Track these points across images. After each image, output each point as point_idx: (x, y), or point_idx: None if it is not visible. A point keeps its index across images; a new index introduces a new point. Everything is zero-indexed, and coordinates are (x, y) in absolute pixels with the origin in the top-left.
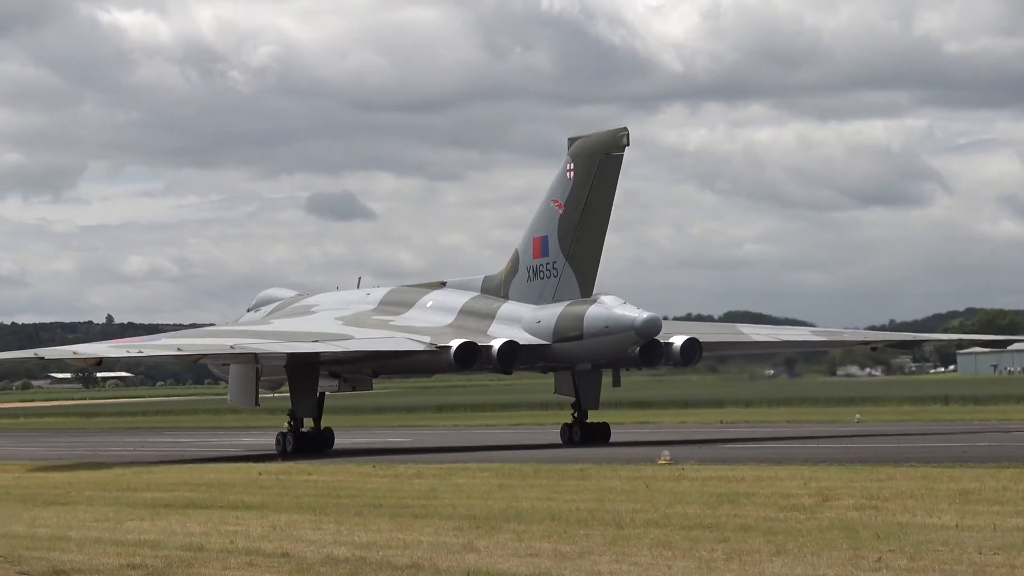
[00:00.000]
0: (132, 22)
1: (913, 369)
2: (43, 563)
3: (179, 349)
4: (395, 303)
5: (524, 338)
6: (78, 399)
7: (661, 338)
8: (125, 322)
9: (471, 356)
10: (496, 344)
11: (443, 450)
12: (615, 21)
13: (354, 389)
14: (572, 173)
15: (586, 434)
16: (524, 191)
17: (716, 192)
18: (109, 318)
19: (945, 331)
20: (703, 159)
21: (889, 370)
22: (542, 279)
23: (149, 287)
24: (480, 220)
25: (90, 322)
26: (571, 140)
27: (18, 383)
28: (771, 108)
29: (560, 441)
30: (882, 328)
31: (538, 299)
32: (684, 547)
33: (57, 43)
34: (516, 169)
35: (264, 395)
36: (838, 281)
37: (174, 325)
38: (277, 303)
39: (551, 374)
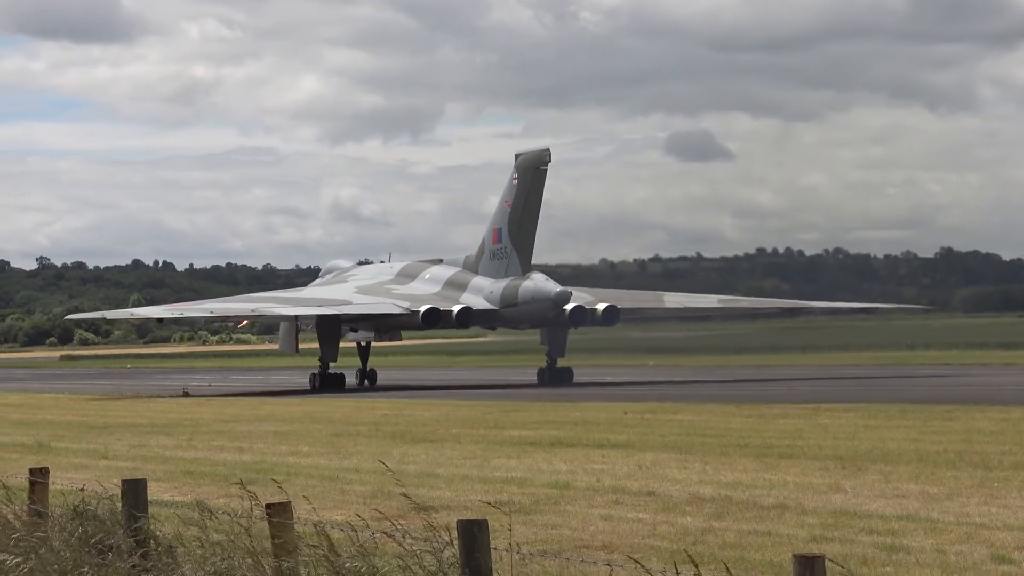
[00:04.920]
0: None
1: None
2: (412, 499)
3: (211, 312)
4: (406, 275)
5: (481, 304)
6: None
7: (587, 304)
8: None
9: (435, 318)
10: (455, 308)
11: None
12: None
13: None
14: (516, 181)
15: (553, 376)
16: (884, 131)
17: None
18: None
19: None
20: None
21: None
22: (498, 260)
23: None
24: (840, 161)
25: None
26: (517, 155)
27: None
28: None
29: (536, 381)
30: None
31: (496, 275)
32: None
33: None
34: (875, 108)
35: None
36: None
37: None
38: (336, 271)
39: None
